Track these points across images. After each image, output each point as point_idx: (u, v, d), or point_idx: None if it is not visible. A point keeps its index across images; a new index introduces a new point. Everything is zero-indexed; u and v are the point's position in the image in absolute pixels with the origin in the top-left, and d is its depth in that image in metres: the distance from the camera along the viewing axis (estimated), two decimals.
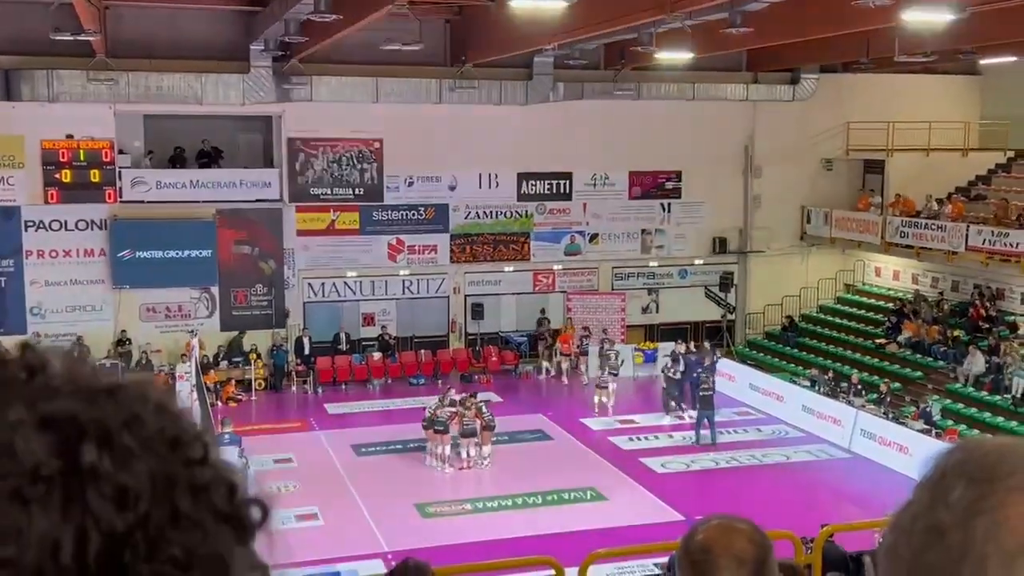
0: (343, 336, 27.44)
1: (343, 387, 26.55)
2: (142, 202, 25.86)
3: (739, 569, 2.04)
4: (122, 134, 25.92)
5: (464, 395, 21.83)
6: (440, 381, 26.43)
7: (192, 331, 25.79)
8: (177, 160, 26.57)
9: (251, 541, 0.82)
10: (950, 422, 22.24)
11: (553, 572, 7.11)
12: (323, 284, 27.79)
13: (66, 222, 25.65)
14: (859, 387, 24.09)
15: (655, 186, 29.86)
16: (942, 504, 0.86)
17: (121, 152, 25.91)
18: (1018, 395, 22.08)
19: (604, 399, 24.60)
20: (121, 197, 25.74)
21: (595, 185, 29.34)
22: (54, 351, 0.81)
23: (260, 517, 0.83)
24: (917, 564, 0.85)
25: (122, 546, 0.73)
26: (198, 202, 26.26)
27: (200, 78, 25.17)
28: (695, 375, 23.65)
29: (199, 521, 0.77)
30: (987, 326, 25.19)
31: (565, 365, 27.69)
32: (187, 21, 25.10)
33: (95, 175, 25.47)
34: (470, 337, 28.62)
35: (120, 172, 25.79)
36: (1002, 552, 0.80)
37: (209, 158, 26.74)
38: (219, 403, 23.99)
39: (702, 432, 22.19)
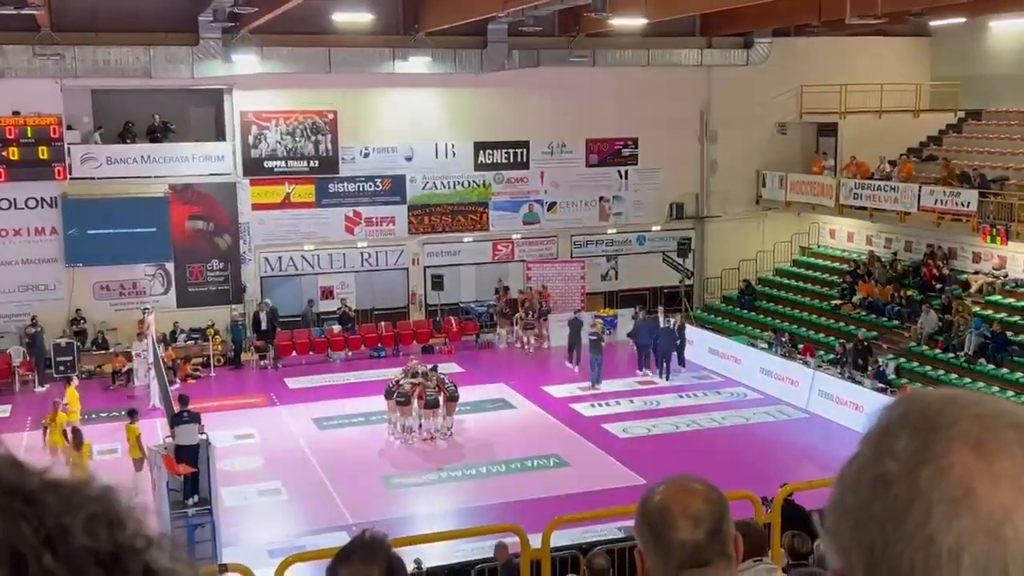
0: (309, 310, 27.36)
1: (303, 361, 26.42)
2: (92, 179, 25.46)
3: (696, 528, 2.06)
4: (70, 110, 25.45)
5: (426, 366, 21.83)
6: (401, 353, 26.40)
7: (147, 308, 25.50)
8: (127, 135, 26.15)
9: None
10: (904, 380, 22.62)
11: (517, 539, 7.16)
12: (280, 258, 27.58)
13: (15, 200, 25.21)
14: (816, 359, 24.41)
15: (612, 153, 29.91)
16: (887, 455, 0.87)
17: (70, 128, 25.45)
18: (970, 352, 22.49)
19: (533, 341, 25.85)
20: (71, 174, 25.31)
21: (552, 153, 29.32)
22: None
23: None
24: (864, 515, 0.86)
25: None
26: (150, 178, 25.91)
27: (148, 51, 24.77)
28: (650, 337, 24.88)
29: None
30: (939, 285, 25.59)
31: (527, 338, 27.71)
32: None
33: (43, 152, 25.00)
34: (430, 308, 28.58)
35: (69, 148, 25.35)
36: (947, 499, 0.82)
37: (160, 133, 26.35)
38: (178, 380, 23.78)
39: (594, 374, 23.99)
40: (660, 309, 27.32)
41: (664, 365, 24.76)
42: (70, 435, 17.95)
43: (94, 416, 20.84)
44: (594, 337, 24.26)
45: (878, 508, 0.85)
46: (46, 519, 0.65)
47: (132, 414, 18.26)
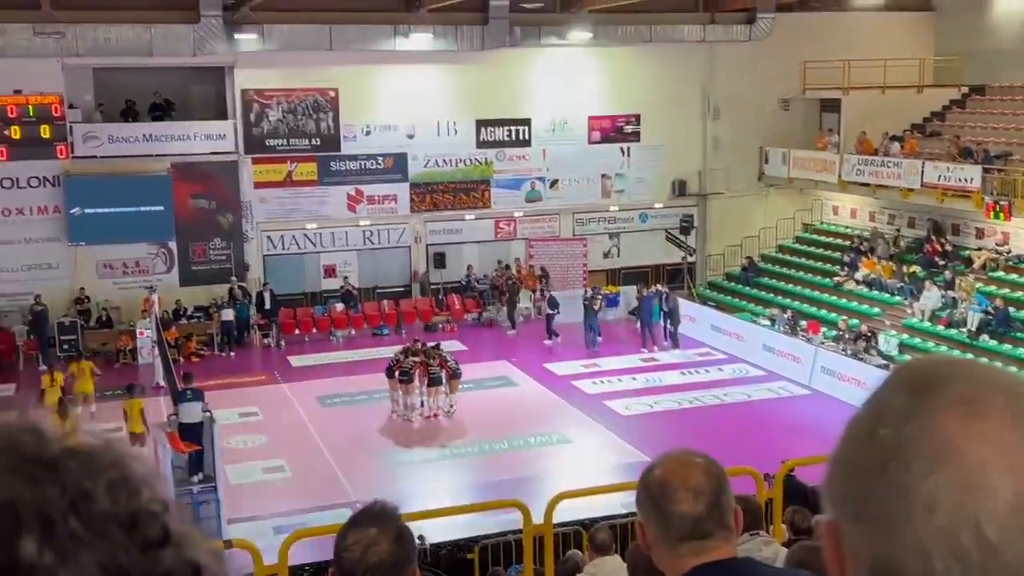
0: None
1: (306, 339, 26.48)
2: (95, 157, 25.44)
3: (696, 501, 2.08)
4: (71, 88, 25.40)
5: (429, 344, 21.87)
6: (404, 331, 26.45)
7: (151, 287, 25.54)
8: (129, 114, 26.12)
9: None
10: (907, 357, 22.64)
11: (520, 515, 7.21)
12: (282, 236, 27.58)
13: (17, 180, 25.20)
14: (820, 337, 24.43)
15: (614, 130, 29.82)
16: (880, 412, 0.90)
17: (71, 107, 25.41)
18: (973, 328, 22.49)
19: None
20: (73, 153, 25.30)
21: (554, 131, 29.24)
22: None
23: None
24: (852, 467, 0.89)
25: None
26: (152, 156, 25.88)
27: (149, 29, 24.69)
28: (648, 311, 25.50)
29: None
30: (943, 262, 25.56)
31: (527, 312, 27.72)
32: None
33: (45, 131, 24.98)
34: (433, 286, 28.60)
35: (71, 127, 25.32)
36: (927, 453, 0.84)
37: (161, 111, 26.31)
38: (181, 359, 23.84)
39: (589, 337, 25.13)
40: (656, 287, 27.28)
41: (669, 335, 25.09)
42: (56, 404, 18.03)
43: (98, 395, 20.90)
44: (585, 302, 25.12)
45: (863, 459, 0.88)
46: (69, 484, 0.67)
47: (131, 389, 18.34)
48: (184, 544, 0.70)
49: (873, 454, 0.87)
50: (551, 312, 26.10)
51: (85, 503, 0.67)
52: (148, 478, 0.72)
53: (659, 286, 27.03)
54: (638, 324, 25.81)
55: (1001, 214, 23.33)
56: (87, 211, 25.36)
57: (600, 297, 26.25)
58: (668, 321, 25.43)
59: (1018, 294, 23.30)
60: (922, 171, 25.41)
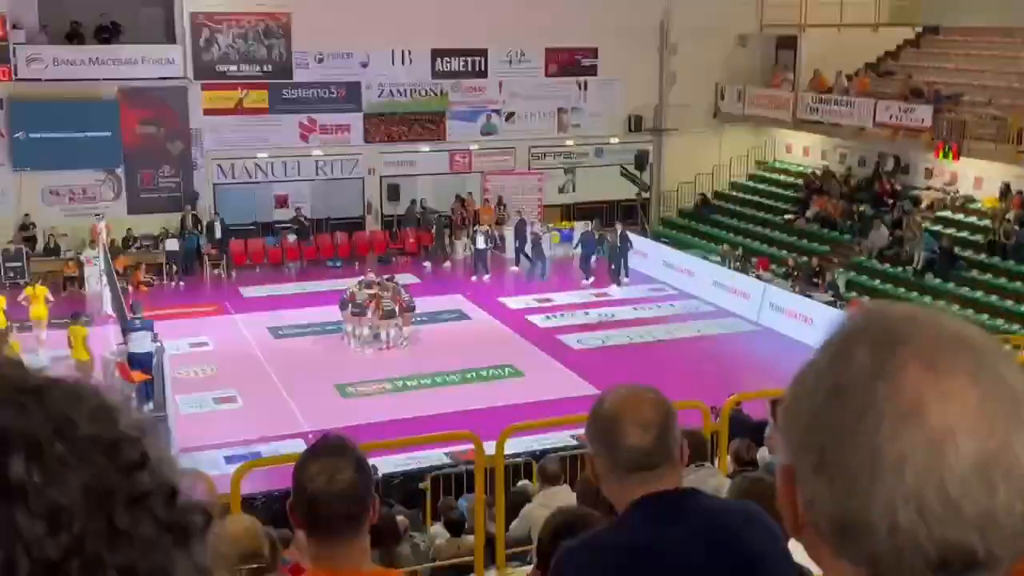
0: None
1: (257, 270, 26.27)
2: (39, 80, 24.76)
3: (644, 434, 2.13)
4: (15, 8, 24.62)
5: (383, 277, 21.81)
6: (357, 264, 26.33)
7: (98, 214, 25.12)
8: (74, 36, 25.39)
9: (194, 546, 0.75)
10: (854, 294, 23.02)
11: (472, 446, 7.28)
12: (233, 165, 27.18)
13: None
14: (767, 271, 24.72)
15: (571, 63, 29.60)
16: (845, 365, 0.91)
17: (14, 27, 24.64)
18: (919, 267, 22.89)
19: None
20: (16, 75, 24.60)
21: (511, 63, 28.95)
22: None
23: (202, 523, 0.76)
24: (817, 420, 0.91)
25: (54, 573, 0.67)
26: (98, 80, 25.25)
27: None
28: (590, 249, 25.88)
29: (138, 535, 0.71)
30: (891, 200, 25.89)
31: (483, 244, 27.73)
32: None
33: None
34: (386, 219, 28.42)
35: (14, 49, 24.57)
36: (897, 413, 0.86)
37: (108, 33, 25.61)
38: (130, 288, 23.56)
39: (537, 268, 25.99)
40: (590, 225, 27.48)
41: (614, 271, 25.36)
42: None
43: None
44: (534, 237, 25.75)
45: (831, 415, 0.89)
46: (54, 411, 0.71)
47: (75, 316, 18.12)
48: (161, 467, 0.75)
49: (840, 412, 0.89)
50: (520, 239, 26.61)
51: (69, 428, 0.71)
52: (126, 406, 0.76)
53: (591, 224, 27.27)
54: (578, 260, 26.08)
55: (950, 154, 23.63)
56: (32, 136, 24.77)
57: (546, 229, 26.82)
58: (611, 256, 25.57)
59: (963, 233, 23.71)
60: (874, 110, 25.60)
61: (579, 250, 26.28)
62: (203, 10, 26.08)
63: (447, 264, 27.16)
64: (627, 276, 25.77)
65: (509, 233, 27.18)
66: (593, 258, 25.87)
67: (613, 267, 25.44)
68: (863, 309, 0.96)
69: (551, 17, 28.52)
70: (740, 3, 29.31)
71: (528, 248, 26.38)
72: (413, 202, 28.13)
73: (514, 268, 26.58)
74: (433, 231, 27.49)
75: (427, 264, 26.94)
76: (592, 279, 25.40)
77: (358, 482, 2.36)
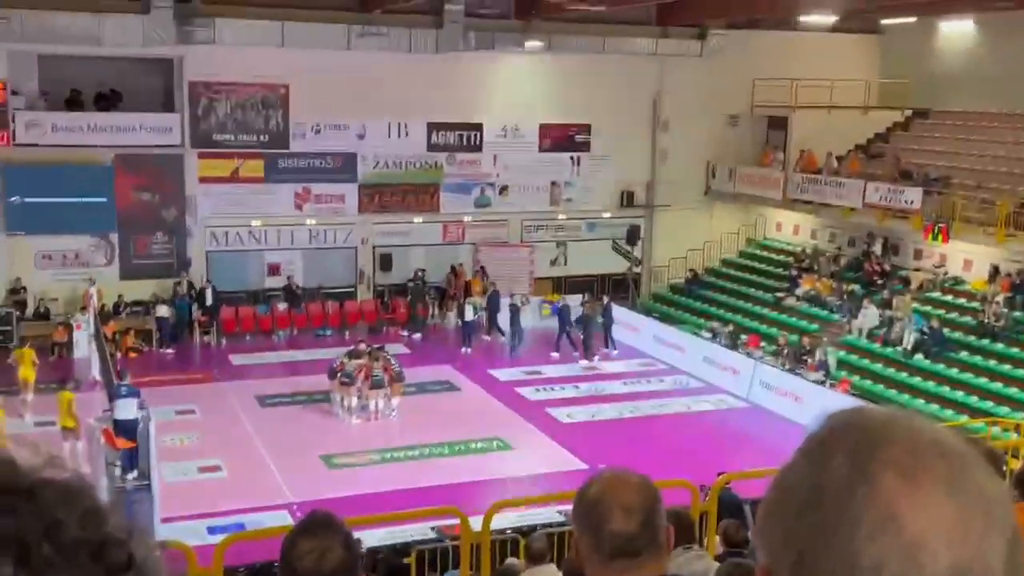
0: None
1: (247, 338, 26.21)
2: (36, 145, 24.95)
3: (628, 519, 2.12)
4: (16, 74, 24.91)
5: (373, 347, 21.77)
6: (348, 333, 26.30)
7: (90, 280, 25.11)
8: (74, 103, 25.66)
9: None
10: (844, 373, 23.03)
11: (459, 521, 7.21)
12: (227, 232, 27.28)
13: None
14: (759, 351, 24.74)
15: (565, 139, 29.97)
16: (823, 470, 0.92)
17: (15, 93, 24.90)
18: (909, 347, 22.94)
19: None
20: (14, 140, 24.79)
21: (505, 136, 29.30)
22: None
23: None
24: (796, 524, 0.92)
25: None
26: (96, 146, 25.45)
27: (98, 18, 24.26)
28: (570, 322, 25.77)
29: None
30: (881, 281, 26.05)
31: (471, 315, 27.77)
32: None
33: None
34: (378, 288, 28.47)
35: (14, 114, 24.81)
36: (873, 520, 0.88)
37: (108, 101, 25.89)
38: (119, 354, 23.46)
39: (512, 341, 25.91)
40: (584, 297, 27.50)
41: (584, 345, 25.28)
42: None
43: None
44: (514, 308, 25.80)
45: (809, 520, 0.91)
46: (44, 514, 0.72)
47: (63, 382, 18.03)
48: (146, 570, 0.76)
49: (818, 516, 0.90)
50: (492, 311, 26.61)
51: (59, 531, 0.72)
52: (115, 508, 0.77)
53: (563, 298, 27.36)
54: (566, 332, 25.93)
55: (939, 236, 23.85)
56: (27, 200, 24.86)
57: (524, 301, 26.71)
58: (584, 330, 25.48)
59: (953, 315, 23.82)
60: (864, 191, 25.89)
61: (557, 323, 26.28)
62: (203, 80, 26.42)
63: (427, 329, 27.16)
64: (615, 349, 25.78)
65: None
66: (572, 332, 25.66)
67: (584, 340, 25.35)
68: (840, 413, 0.97)
69: (546, 94, 28.95)
70: (732, 84, 29.82)
71: (506, 320, 26.27)
72: (416, 273, 28.23)
73: (486, 337, 26.51)
74: (423, 300, 27.48)
75: (417, 335, 26.91)
76: (557, 355, 25.27)
77: (347, 561, 2.35)
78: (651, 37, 29.31)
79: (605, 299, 26.84)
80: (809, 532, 0.90)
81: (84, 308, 24.17)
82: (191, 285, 26.39)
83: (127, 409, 16.47)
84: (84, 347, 23.49)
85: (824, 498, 0.90)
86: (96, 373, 21.39)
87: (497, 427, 20.20)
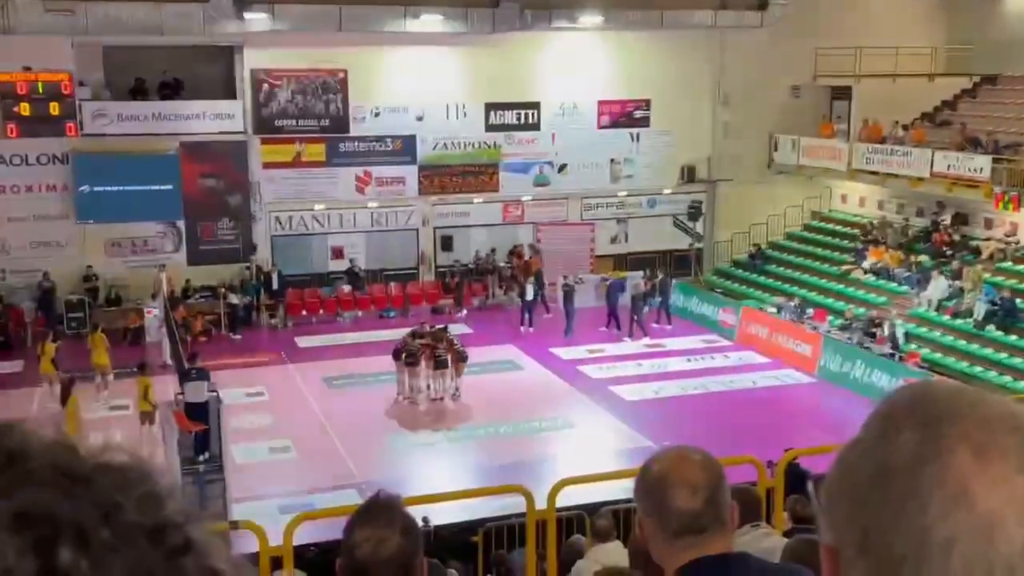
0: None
1: (313, 320, 26.56)
2: (103, 135, 25.47)
3: (693, 497, 2.12)
4: (81, 66, 25.41)
5: (436, 327, 21.92)
6: (410, 314, 26.51)
7: (160, 266, 25.63)
8: (138, 92, 26.13)
9: None
10: (913, 346, 22.63)
11: (523, 499, 7.24)
12: (290, 217, 27.62)
13: (27, 157, 25.26)
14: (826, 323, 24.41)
15: (624, 115, 29.75)
16: (890, 446, 0.90)
17: (81, 84, 25.42)
18: (979, 318, 22.46)
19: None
20: (82, 130, 25.34)
21: (563, 115, 29.18)
22: (35, 434, 0.76)
23: None
24: (861, 500, 0.90)
25: None
26: (160, 135, 25.90)
27: (160, 7, 24.63)
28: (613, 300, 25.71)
29: None
30: (950, 251, 25.50)
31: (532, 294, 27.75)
32: None
33: (54, 108, 25.02)
34: (440, 269, 28.62)
35: (80, 105, 25.34)
36: (944, 496, 0.86)
37: (170, 89, 26.31)
38: (189, 338, 23.92)
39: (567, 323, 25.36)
40: (645, 273, 27.35)
41: (632, 323, 25.17)
42: (58, 389, 18.17)
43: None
44: (567, 289, 25.36)
45: (876, 497, 0.89)
46: (102, 498, 0.73)
47: (142, 367, 18.43)
48: (204, 552, 0.76)
49: (885, 493, 0.89)
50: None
51: (117, 515, 0.73)
52: (173, 491, 0.78)
53: (611, 275, 27.23)
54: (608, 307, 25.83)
55: (1010, 204, 23.26)
56: (96, 189, 25.42)
57: (578, 281, 26.47)
58: (633, 308, 25.36)
59: None
60: (931, 160, 25.33)
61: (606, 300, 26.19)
62: (263, 67, 26.71)
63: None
64: (670, 324, 25.64)
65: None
66: (645, 308, 25.60)
67: (635, 317, 25.22)
68: (908, 387, 0.96)
69: (604, 70, 28.74)
70: (793, 54, 29.31)
71: (560, 301, 26.09)
72: (488, 253, 28.51)
73: (546, 315, 26.44)
74: (483, 281, 27.61)
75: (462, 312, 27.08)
76: (604, 329, 25.30)
77: (405, 548, 2.36)
78: (710, 9, 28.90)
79: (660, 275, 26.64)
80: (876, 509, 0.89)
81: (155, 294, 24.66)
82: (259, 269, 26.83)
83: (198, 392, 16.81)
84: (155, 332, 24.00)
85: (892, 475, 0.89)
86: (167, 357, 21.86)
87: (560, 406, 20.23)
